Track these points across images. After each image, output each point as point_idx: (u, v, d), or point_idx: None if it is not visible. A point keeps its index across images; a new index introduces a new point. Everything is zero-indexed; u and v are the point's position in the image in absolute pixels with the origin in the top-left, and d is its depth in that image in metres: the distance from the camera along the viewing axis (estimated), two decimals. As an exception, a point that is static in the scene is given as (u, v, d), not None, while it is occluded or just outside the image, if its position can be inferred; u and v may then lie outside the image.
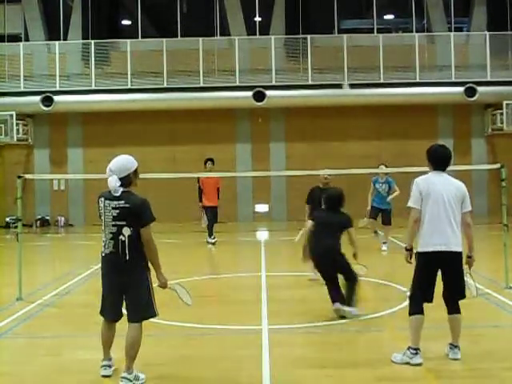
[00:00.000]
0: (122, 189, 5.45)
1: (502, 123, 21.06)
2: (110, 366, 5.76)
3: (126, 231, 5.41)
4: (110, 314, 5.66)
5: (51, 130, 22.76)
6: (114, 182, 5.42)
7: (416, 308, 5.92)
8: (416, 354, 5.81)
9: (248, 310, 8.54)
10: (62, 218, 22.40)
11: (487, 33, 21.64)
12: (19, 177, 9.36)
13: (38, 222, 22.20)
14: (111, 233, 5.45)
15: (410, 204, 6.01)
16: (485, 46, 21.36)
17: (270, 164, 22.30)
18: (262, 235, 19.58)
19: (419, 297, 5.94)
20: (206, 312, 8.49)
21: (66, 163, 22.55)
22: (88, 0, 22.70)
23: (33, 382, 5.85)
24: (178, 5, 23.47)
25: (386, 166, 13.60)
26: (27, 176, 11.04)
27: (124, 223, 5.41)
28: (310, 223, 8.38)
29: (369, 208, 13.85)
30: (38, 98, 21.07)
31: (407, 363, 5.81)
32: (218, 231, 16.11)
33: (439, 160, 6.05)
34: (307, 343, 6.93)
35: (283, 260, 11.66)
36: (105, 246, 5.52)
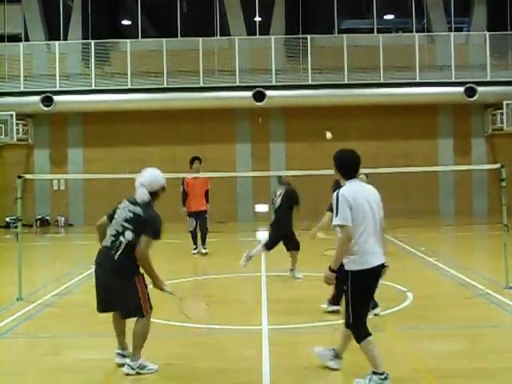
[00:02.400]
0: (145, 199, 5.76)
1: (502, 123, 21.07)
2: (123, 356, 5.92)
3: (128, 236, 5.65)
4: (98, 304, 5.85)
5: (51, 129, 22.77)
6: (143, 196, 5.76)
7: (366, 330, 5.35)
8: (385, 379, 5.22)
9: (248, 309, 8.54)
10: (62, 218, 22.40)
11: (487, 33, 21.65)
12: (19, 177, 9.36)
13: (38, 221, 22.21)
14: (116, 230, 5.72)
15: (339, 222, 5.22)
16: (485, 46, 21.37)
17: (270, 164, 22.31)
18: (262, 235, 19.57)
19: (366, 316, 5.42)
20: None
21: (66, 163, 22.55)
22: (88, 0, 22.71)
23: (33, 382, 5.85)
24: (178, 5, 23.47)
25: (367, 176, 13.49)
26: (27, 176, 11.04)
27: (131, 227, 5.66)
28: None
29: None
30: (37, 98, 21.08)
31: None
32: (218, 231, 16.04)
33: (352, 167, 5.47)
34: (307, 343, 6.93)
35: (283, 260, 11.63)
36: (105, 239, 5.80)
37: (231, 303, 8.45)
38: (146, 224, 5.66)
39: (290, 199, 10.81)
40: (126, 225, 5.67)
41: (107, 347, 6.53)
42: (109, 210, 6.04)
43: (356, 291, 5.31)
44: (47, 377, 5.90)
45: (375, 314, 7.47)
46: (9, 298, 9.14)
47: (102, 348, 6.71)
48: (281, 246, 11.19)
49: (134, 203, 5.77)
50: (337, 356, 5.84)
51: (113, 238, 5.71)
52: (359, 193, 5.36)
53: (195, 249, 14.02)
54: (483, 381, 5.55)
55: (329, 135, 10.53)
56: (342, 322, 7.54)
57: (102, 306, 5.85)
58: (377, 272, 5.37)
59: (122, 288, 5.67)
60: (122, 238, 5.66)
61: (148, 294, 5.80)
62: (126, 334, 6.00)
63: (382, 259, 5.41)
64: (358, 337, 5.34)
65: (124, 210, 5.76)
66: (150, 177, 5.86)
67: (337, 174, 5.56)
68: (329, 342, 6.86)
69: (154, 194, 5.84)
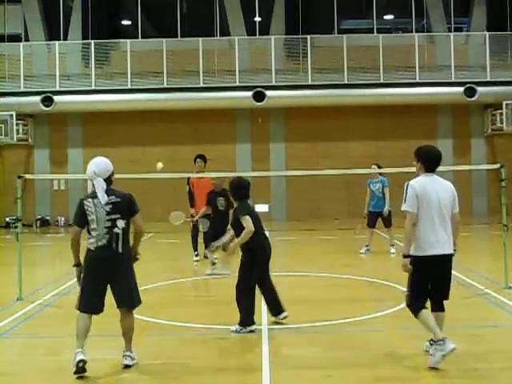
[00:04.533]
0: (106, 187, 5.85)
1: (501, 123, 21.09)
2: (83, 354, 5.80)
3: (121, 224, 5.79)
4: (93, 306, 5.90)
5: (51, 129, 22.79)
6: (102, 183, 5.80)
7: (418, 308, 5.83)
8: (444, 343, 5.63)
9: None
10: (62, 218, 22.40)
11: (487, 33, 21.67)
12: (19, 177, 9.36)
13: (38, 221, 22.21)
14: (106, 227, 5.78)
15: (406, 208, 5.83)
16: (484, 46, 21.39)
17: (270, 164, 22.32)
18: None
19: (420, 299, 5.86)
20: (205, 312, 8.49)
21: (66, 163, 22.57)
22: (88, 0, 22.72)
23: (33, 382, 5.85)
24: (177, 5, 23.49)
25: (379, 166, 13.49)
26: (27, 176, 11.04)
27: (119, 216, 5.78)
28: None
29: (366, 212, 13.73)
30: (38, 98, 21.10)
31: (443, 355, 5.63)
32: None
33: (433, 161, 5.94)
34: (307, 343, 6.93)
35: (283, 260, 11.66)
36: (97, 240, 5.80)
37: (231, 303, 8.42)
38: (129, 204, 5.85)
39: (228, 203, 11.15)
40: (113, 216, 5.77)
41: (107, 347, 6.55)
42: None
43: (414, 275, 5.82)
44: (47, 377, 5.90)
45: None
46: (9, 298, 9.14)
47: (101, 348, 6.70)
48: (281, 247, 11.19)
49: (101, 196, 5.79)
50: (438, 341, 5.79)
51: (107, 236, 5.77)
52: (427, 185, 5.83)
53: (197, 255, 12.88)
54: (483, 381, 5.55)
55: (160, 165, 10.61)
56: (342, 322, 7.57)
57: (97, 308, 5.92)
58: (432, 261, 5.75)
59: (125, 273, 5.87)
60: (116, 230, 5.78)
61: None
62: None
63: (443, 249, 5.77)
64: (414, 313, 5.86)
65: (98, 207, 5.79)
66: (102, 166, 5.90)
67: (420, 167, 5.96)
68: (329, 341, 6.86)
69: (109, 180, 5.91)
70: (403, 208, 5.85)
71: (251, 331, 7.20)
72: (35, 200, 22.31)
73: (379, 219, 13.64)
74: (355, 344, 6.77)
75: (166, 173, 11.64)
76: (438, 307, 5.95)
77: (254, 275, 7.34)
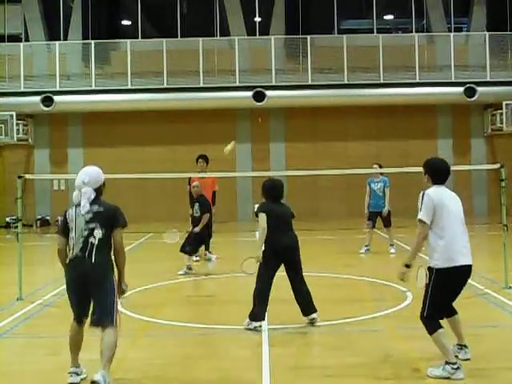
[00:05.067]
0: (93, 197, 5.61)
1: (501, 123, 21.09)
2: (77, 374, 5.58)
3: (98, 234, 5.47)
4: (77, 313, 5.58)
5: (51, 129, 22.79)
6: (89, 194, 5.60)
7: (438, 325, 5.62)
8: (458, 368, 5.52)
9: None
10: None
11: (487, 33, 21.68)
12: (19, 177, 9.36)
13: (38, 221, 22.21)
14: (82, 236, 5.49)
15: (422, 217, 5.63)
16: (484, 46, 21.40)
17: (270, 164, 22.32)
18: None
19: (443, 313, 5.75)
20: (205, 312, 8.49)
21: (66, 163, 22.58)
22: (88, 0, 22.72)
23: (32, 382, 5.85)
24: (177, 5, 23.50)
25: (380, 166, 13.51)
26: (27, 176, 11.04)
27: (97, 225, 5.48)
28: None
29: (366, 212, 13.75)
30: (38, 98, 21.11)
31: (447, 378, 5.50)
32: (218, 231, 16.04)
33: (440, 175, 5.86)
34: (307, 343, 6.93)
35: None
36: (72, 250, 5.51)
37: (231, 303, 8.44)
38: (110, 216, 5.53)
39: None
40: (91, 225, 5.48)
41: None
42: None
43: (436, 287, 5.60)
44: (47, 377, 5.90)
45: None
46: (9, 298, 9.14)
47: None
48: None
49: (83, 204, 5.56)
50: (461, 347, 5.93)
51: (81, 245, 5.46)
52: (443, 194, 5.75)
53: (196, 256, 12.72)
54: (483, 381, 5.55)
55: (229, 147, 10.57)
56: (342, 321, 7.57)
57: (86, 313, 5.58)
58: (460, 272, 5.66)
59: (101, 289, 5.45)
60: (91, 239, 5.45)
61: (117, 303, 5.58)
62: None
63: (468, 259, 5.69)
64: (430, 329, 5.61)
65: (79, 216, 5.53)
66: (92, 176, 5.73)
67: (428, 179, 5.89)
68: (329, 341, 6.87)
69: (98, 191, 5.69)
70: (419, 217, 5.64)
71: (255, 328, 7.20)
72: (35, 200, 22.31)
73: (378, 219, 13.68)
74: (355, 344, 6.77)
75: (166, 173, 11.63)
76: (450, 312, 5.91)
77: (266, 272, 7.42)
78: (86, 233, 5.49)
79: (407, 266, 5.67)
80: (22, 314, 8.30)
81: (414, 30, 23.37)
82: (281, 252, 7.47)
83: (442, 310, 5.71)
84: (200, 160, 12.91)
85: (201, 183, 12.54)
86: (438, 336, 5.56)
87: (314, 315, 7.43)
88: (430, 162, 5.96)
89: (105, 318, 5.42)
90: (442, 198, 5.69)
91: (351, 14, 25.19)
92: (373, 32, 23.30)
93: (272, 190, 7.91)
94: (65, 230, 5.63)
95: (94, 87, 21.45)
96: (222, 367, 6.03)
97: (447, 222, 5.63)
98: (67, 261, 5.56)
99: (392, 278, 10.17)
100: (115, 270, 5.57)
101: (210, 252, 13.37)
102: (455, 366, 5.49)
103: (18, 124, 21.28)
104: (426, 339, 6.08)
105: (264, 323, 7.44)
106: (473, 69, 21.59)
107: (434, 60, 21.85)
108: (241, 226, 21.27)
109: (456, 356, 5.85)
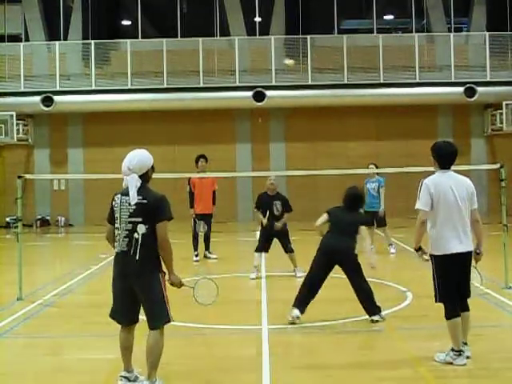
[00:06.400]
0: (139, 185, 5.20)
1: (501, 123, 21.08)
2: (128, 379, 5.32)
3: (141, 229, 5.09)
4: (121, 317, 5.33)
5: (51, 129, 22.77)
6: (135, 182, 5.15)
7: (452, 311, 5.79)
8: (459, 355, 5.76)
9: (248, 309, 8.55)
10: (62, 218, 22.39)
11: (487, 33, 21.66)
12: (19, 177, 9.36)
13: (38, 221, 22.20)
14: (126, 230, 5.15)
15: (418, 206, 5.82)
16: (484, 46, 21.39)
17: (270, 164, 22.31)
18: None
19: (451, 299, 5.81)
20: (206, 312, 8.49)
21: (66, 163, 22.56)
22: (88, 0, 22.72)
23: (33, 382, 5.85)
24: (177, 5, 23.49)
25: (377, 166, 13.53)
26: (27, 176, 11.05)
27: (140, 220, 5.10)
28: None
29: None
30: (38, 98, 21.09)
31: (450, 363, 5.77)
32: (218, 231, 16.04)
33: (445, 157, 5.88)
34: (307, 343, 6.93)
35: (283, 260, 11.63)
36: (118, 243, 5.22)
37: (231, 303, 8.44)
38: (154, 208, 5.11)
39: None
40: (134, 219, 5.10)
41: (107, 347, 6.53)
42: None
43: (437, 274, 5.82)
44: (47, 377, 5.90)
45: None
46: (9, 298, 9.15)
47: (102, 348, 6.71)
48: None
49: (132, 194, 5.16)
50: (455, 351, 5.91)
51: (126, 240, 5.12)
52: (443, 182, 5.80)
53: (197, 255, 12.99)
54: (483, 381, 5.56)
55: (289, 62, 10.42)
56: (341, 322, 7.57)
57: (125, 319, 5.31)
58: (455, 259, 5.72)
59: (146, 286, 5.11)
60: (135, 235, 5.09)
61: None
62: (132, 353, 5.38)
63: (462, 247, 5.75)
64: (446, 314, 5.81)
65: (124, 206, 5.16)
66: (136, 160, 5.22)
67: (434, 163, 5.94)
68: (329, 342, 6.86)
69: (145, 177, 5.25)
70: (416, 206, 5.83)
71: (292, 318, 7.39)
72: (35, 200, 22.29)
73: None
74: (355, 344, 6.78)
75: (166, 173, 11.62)
76: (462, 306, 5.91)
77: (312, 270, 7.71)
78: (129, 226, 5.13)
79: (416, 250, 5.92)
80: (21, 314, 8.30)
81: (414, 30, 23.35)
82: (326, 256, 7.72)
83: (448, 294, 5.79)
84: (201, 160, 13.00)
85: (201, 183, 12.80)
86: (452, 324, 5.76)
87: (374, 317, 7.47)
88: (434, 146, 6.02)
89: (150, 319, 5.17)
90: (440, 186, 5.77)
91: (351, 13, 25.18)
92: (373, 32, 23.28)
93: (351, 201, 8.10)
94: (112, 217, 5.28)
95: (93, 87, 21.43)
96: (222, 367, 6.03)
97: (441, 211, 5.74)
98: (114, 253, 5.27)
99: (392, 278, 10.20)
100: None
101: (210, 252, 13.44)
102: (457, 353, 5.72)
103: (18, 124, 21.26)
104: (426, 339, 6.09)
105: (264, 323, 7.45)
106: (473, 69, 21.58)
107: (434, 60, 21.84)
108: (241, 226, 21.26)
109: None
